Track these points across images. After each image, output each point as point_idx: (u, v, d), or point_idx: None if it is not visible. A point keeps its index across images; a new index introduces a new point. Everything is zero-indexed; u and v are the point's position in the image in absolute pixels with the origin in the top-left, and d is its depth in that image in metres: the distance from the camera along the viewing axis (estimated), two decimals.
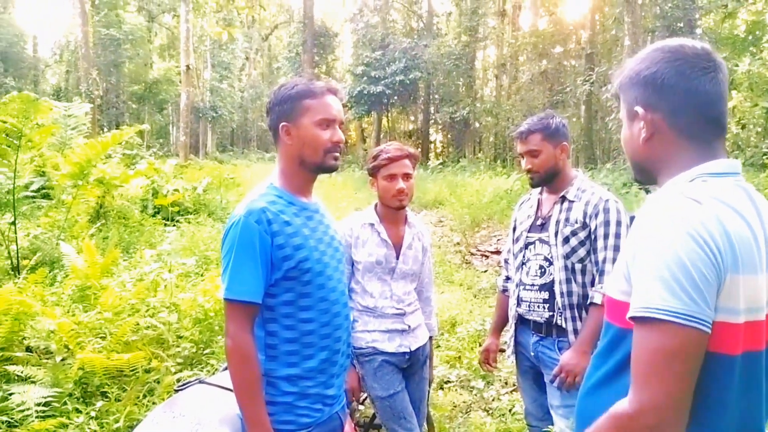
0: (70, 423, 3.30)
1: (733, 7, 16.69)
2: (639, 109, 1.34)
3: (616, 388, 1.26)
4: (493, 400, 4.56)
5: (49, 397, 3.37)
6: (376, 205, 2.99)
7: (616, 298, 1.31)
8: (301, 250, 1.94)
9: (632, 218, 1.42)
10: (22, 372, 3.55)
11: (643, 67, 1.34)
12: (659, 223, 1.18)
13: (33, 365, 3.70)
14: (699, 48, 1.30)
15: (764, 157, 11.97)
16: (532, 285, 2.81)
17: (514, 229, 3.03)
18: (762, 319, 1.22)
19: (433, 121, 32.86)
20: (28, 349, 3.96)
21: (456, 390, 4.77)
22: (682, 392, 1.12)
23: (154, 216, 9.51)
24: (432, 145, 34.81)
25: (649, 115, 1.33)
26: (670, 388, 1.11)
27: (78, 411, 3.46)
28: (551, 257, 2.75)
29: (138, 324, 4.24)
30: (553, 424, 2.77)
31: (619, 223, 2.61)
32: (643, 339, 1.15)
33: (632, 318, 1.17)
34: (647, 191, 11.02)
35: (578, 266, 2.68)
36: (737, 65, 14.72)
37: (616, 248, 2.58)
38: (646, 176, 1.42)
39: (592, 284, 2.66)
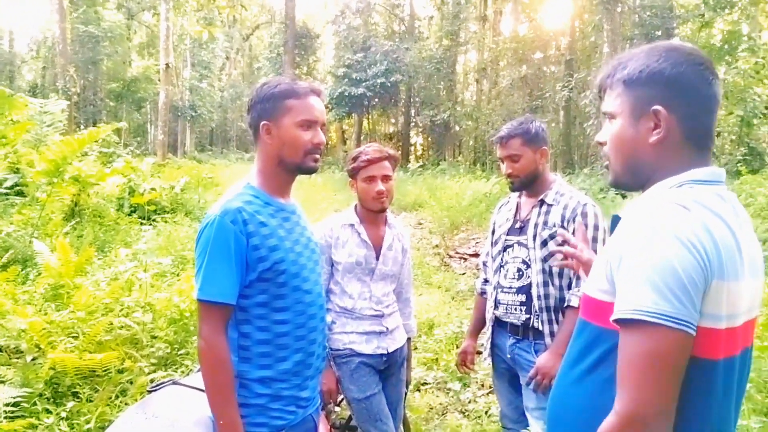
0: (40, 423, 3.24)
1: (710, 16, 16.95)
2: (660, 108, 1.28)
3: (589, 387, 1.28)
4: (469, 402, 4.56)
5: (18, 397, 3.31)
6: (356, 206, 2.97)
7: (596, 297, 1.30)
8: (276, 251, 1.91)
9: (615, 218, 1.39)
10: None
11: (664, 65, 1.28)
12: (649, 227, 1.17)
13: (2, 365, 3.64)
14: (699, 52, 1.31)
15: (738, 165, 12.16)
16: (510, 288, 2.82)
17: (493, 232, 3.03)
18: (739, 325, 1.23)
19: (413, 124, 32.95)
20: None
21: (433, 392, 4.77)
22: (670, 394, 1.13)
23: (130, 215, 9.40)
24: (412, 148, 34.87)
25: (669, 116, 1.28)
26: (662, 390, 1.12)
27: (48, 411, 3.40)
28: (529, 260, 2.75)
29: (112, 323, 4.18)
30: (528, 427, 2.78)
31: (596, 227, 2.63)
32: (632, 342, 1.14)
33: (619, 320, 1.16)
34: (623, 196, 11.14)
35: (555, 269, 2.69)
36: None
37: (594, 252, 2.59)
38: (636, 179, 1.36)
39: (569, 287, 2.67)
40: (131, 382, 3.80)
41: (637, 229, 1.20)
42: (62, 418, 3.34)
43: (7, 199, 8.35)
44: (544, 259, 2.69)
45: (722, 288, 1.16)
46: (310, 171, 2.03)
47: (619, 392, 1.15)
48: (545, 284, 2.70)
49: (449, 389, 4.78)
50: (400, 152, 28.41)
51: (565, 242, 1.97)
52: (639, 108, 1.31)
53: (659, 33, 17.41)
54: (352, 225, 2.90)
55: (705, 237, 1.15)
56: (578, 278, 2.62)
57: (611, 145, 1.39)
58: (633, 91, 1.32)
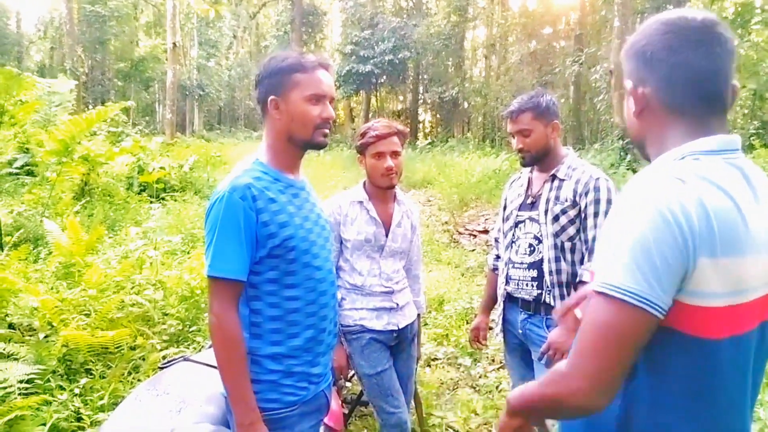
0: (54, 400, 3.27)
1: None
2: (628, 83, 1.31)
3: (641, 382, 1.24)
4: (480, 377, 4.58)
5: (32, 374, 3.34)
6: (364, 183, 2.95)
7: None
8: (286, 227, 1.90)
9: None
10: (4, 349, 3.52)
11: (637, 39, 1.30)
12: (634, 201, 1.15)
13: (15, 342, 3.67)
14: (698, 19, 1.23)
15: (751, 138, 12.02)
16: (521, 263, 2.80)
17: (505, 207, 3.01)
18: (751, 300, 1.18)
19: (422, 100, 32.71)
20: (11, 326, 3.92)
21: (443, 367, 4.78)
22: (615, 370, 1.12)
23: (139, 194, 9.45)
24: (421, 125, 34.69)
25: (640, 89, 1.28)
26: (607, 361, 1.12)
27: (62, 388, 3.44)
28: (541, 236, 2.73)
29: (123, 301, 4.21)
30: None
31: (609, 202, 2.60)
32: (593, 311, 1.15)
33: (594, 291, 1.16)
34: (633, 171, 11.06)
35: (568, 245, 2.66)
36: None
37: None
38: (643, 153, 1.37)
39: (581, 263, 2.65)
40: (143, 359, 3.83)
41: (623, 202, 1.18)
42: (75, 395, 3.38)
43: (18, 178, 8.40)
44: (556, 235, 2.67)
45: (715, 265, 1.11)
46: (320, 146, 2.01)
47: (572, 350, 1.16)
48: (557, 259, 2.67)
49: (460, 364, 4.79)
50: (408, 129, 28.26)
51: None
52: (625, 84, 1.34)
53: (671, 6, 17.15)
54: (360, 202, 2.88)
55: (695, 212, 1.10)
56: (591, 253, 2.60)
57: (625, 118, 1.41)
58: (624, 67, 1.35)
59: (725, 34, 1.22)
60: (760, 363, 1.26)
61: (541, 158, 2.77)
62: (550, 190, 2.73)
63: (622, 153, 12.91)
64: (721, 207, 1.12)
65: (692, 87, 1.23)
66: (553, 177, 2.74)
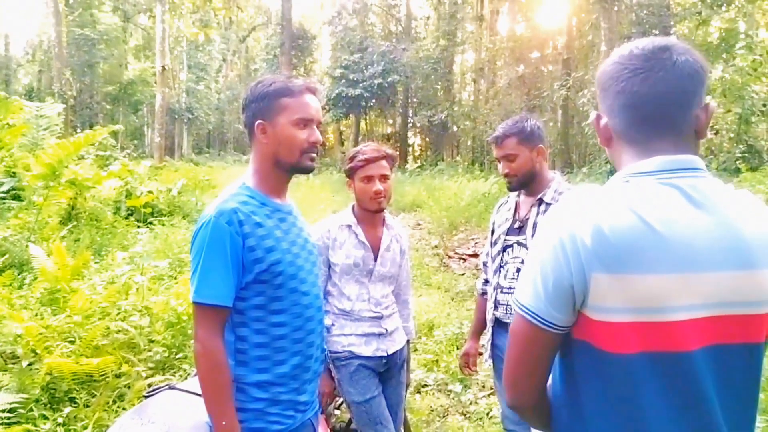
0: (37, 429, 3.21)
1: (707, 14, 16.94)
2: (592, 113, 1.38)
3: (570, 391, 1.30)
4: (470, 403, 4.53)
5: (14, 403, 3.28)
6: (353, 207, 2.93)
7: None
8: (273, 252, 1.88)
9: None
10: None
11: (599, 71, 1.35)
12: (542, 229, 1.27)
13: None
14: (645, 47, 1.25)
15: (737, 162, 12.13)
16: (510, 288, 2.78)
17: (493, 232, 3.00)
18: (679, 320, 1.14)
19: (411, 124, 32.90)
20: None
21: (433, 394, 4.73)
22: (526, 373, 1.31)
23: (127, 218, 9.37)
24: (410, 149, 34.85)
25: (602, 121, 1.35)
26: (520, 367, 1.31)
27: (45, 417, 3.37)
28: None
29: (108, 328, 4.15)
30: (529, 428, 2.74)
31: None
32: (512, 325, 1.32)
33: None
34: None
35: None
36: (711, 72, 14.91)
37: None
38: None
39: None
40: (128, 387, 3.77)
41: (540, 228, 1.30)
42: (59, 424, 3.31)
43: (4, 202, 8.32)
44: None
45: (612, 281, 1.14)
46: (307, 170, 2.00)
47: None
48: None
49: (450, 391, 4.75)
50: (398, 153, 28.38)
51: None
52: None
53: (656, 31, 17.39)
54: (349, 226, 2.86)
55: (588, 234, 1.15)
56: None
57: None
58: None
59: (677, 58, 1.22)
60: (731, 387, 1.21)
61: (527, 182, 2.78)
62: (537, 214, 2.73)
63: (609, 176, 12.86)
64: (623, 226, 1.14)
65: (631, 112, 1.27)
66: (540, 201, 2.74)
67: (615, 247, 1.13)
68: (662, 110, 1.24)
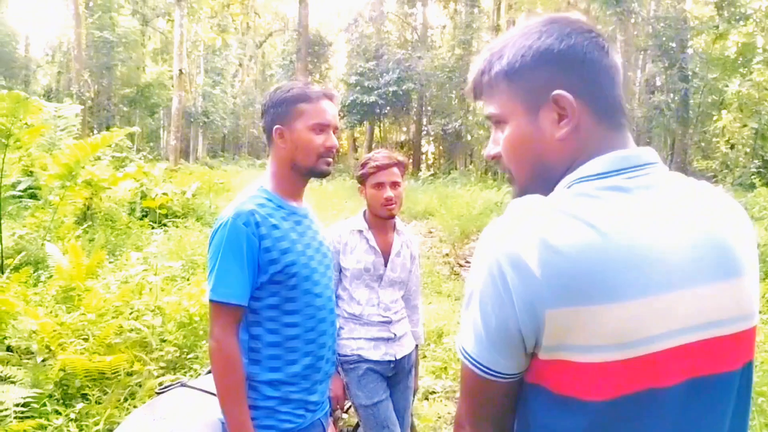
0: (49, 424, 3.26)
1: (724, 28, 16.89)
2: (561, 93, 1.01)
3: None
4: None
5: (28, 397, 3.33)
6: (365, 212, 2.97)
7: None
8: (288, 254, 1.92)
9: None
10: (1, 372, 3.51)
11: (549, 41, 1.02)
12: (478, 251, 0.99)
13: (13, 365, 3.66)
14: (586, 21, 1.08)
15: (752, 177, 12.07)
16: None
17: None
18: (658, 351, 0.92)
19: (425, 132, 32.94)
20: (9, 349, 3.92)
21: (441, 401, 4.74)
22: (475, 419, 1.06)
23: (141, 219, 9.47)
24: (423, 156, 34.88)
25: (575, 99, 1.01)
26: (467, 413, 1.06)
27: (57, 413, 3.42)
28: None
29: (121, 326, 4.21)
30: None
31: None
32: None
33: None
34: None
35: None
36: (727, 86, 14.86)
37: None
38: (549, 186, 1.06)
39: None
40: (140, 385, 3.81)
41: (477, 247, 1.01)
42: (71, 420, 3.36)
43: (21, 201, 8.44)
44: None
45: (569, 316, 0.89)
46: (323, 174, 2.05)
47: None
48: None
49: (458, 399, 4.75)
50: (411, 160, 28.41)
51: None
52: (534, 100, 1.04)
53: (673, 44, 17.34)
54: (360, 231, 2.90)
55: (533, 255, 0.90)
56: None
57: (508, 154, 1.11)
58: (520, 82, 1.05)
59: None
60: (707, 421, 0.99)
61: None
62: None
63: None
64: (583, 250, 0.89)
65: (617, 91, 1.08)
66: None
67: (578, 278, 0.88)
68: (621, 89, 1.09)
